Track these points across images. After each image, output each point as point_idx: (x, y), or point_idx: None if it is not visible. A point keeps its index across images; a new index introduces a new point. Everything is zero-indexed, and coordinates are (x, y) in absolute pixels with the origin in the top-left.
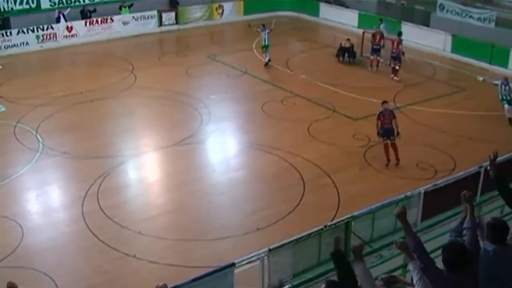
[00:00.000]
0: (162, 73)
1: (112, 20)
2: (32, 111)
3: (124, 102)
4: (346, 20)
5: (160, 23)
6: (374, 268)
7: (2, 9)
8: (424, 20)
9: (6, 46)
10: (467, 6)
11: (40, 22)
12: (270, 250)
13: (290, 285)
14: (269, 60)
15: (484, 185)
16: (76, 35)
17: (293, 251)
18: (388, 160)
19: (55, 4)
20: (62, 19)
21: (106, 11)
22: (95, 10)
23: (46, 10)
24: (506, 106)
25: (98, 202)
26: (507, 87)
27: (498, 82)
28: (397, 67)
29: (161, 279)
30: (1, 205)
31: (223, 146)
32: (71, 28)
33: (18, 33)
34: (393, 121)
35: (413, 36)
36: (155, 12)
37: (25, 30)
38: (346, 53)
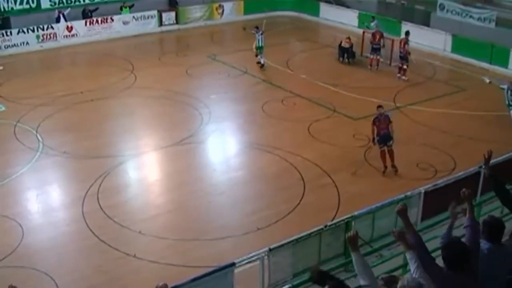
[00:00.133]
0: (162, 73)
1: (112, 20)
2: (32, 110)
3: (124, 102)
4: (347, 20)
5: (160, 23)
6: (375, 268)
7: (2, 9)
8: (425, 20)
9: (6, 46)
10: (467, 6)
11: (40, 22)
12: (270, 250)
13: (290, 285)
14: (264, 63)
15: (484, 185)
16: (76, 35)
17: (293, 251)
18: (386, 167)
19: (55, 4)
20: (62, 19)
21: (106, 11)
22: (96, 9)
23: (46, 10)
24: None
25: (98, 202)
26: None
27: (505, 87)
28: (404, 67)
29: (162, 278)
30: (1, 204)
31: (223, 146)
32: (71, 28)
33: (18, 33)
34: (390, 126)
35: (414, 36)
36: (155, 12)
37: (25, 30)
38: (345, 54)
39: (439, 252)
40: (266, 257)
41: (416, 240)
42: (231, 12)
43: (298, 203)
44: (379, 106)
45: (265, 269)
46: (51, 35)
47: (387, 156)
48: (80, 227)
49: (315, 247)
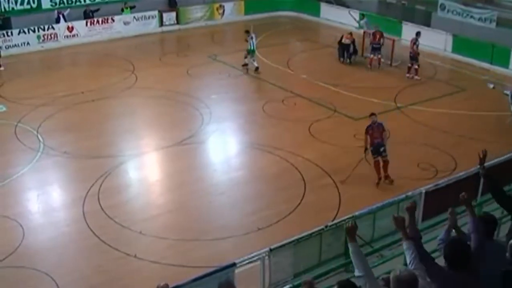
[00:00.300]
0: (163, 73)
1: (113, 20)
2: (33, 111)
3: (125, 102)
4: (347, 20)
5: (161, 23)
6: (375, 268)
7: (3, 9)
8: (425, 20)
9: (7, 46)
10: (468, 6)
11: (41, 22)
12: (271, 250)
13: (291, 285)
14: (258, 66)
15: (485, 185)
16: (77, 35)
17: (294, 251)
18: (380, 178)
19: (56, 4)
20: (61, 19)
21: (107, 11)
22: (98, 10)
23: (47, 10)
24: None
25: (99, 202)
26: None
27: (508, 92)
28: (415, 67)
29: (162, 279)
30: (2, 205)
31: (224, 146)
32: (72, 28)
33: (19, 33)
34: (383, 135)
35: (414, 36)
36: (156, 12)
37: (26, 30)
38: (346, 52)
39: (436, 254)
40: (266, 257)
41: (416, 236)
42: (232, 12)
43: (299, 203)
44: (372, 114)
45: (265, 269)
46: (52, 36)
47: (381, 166)
48: (81, 227)
49: (315, 247)
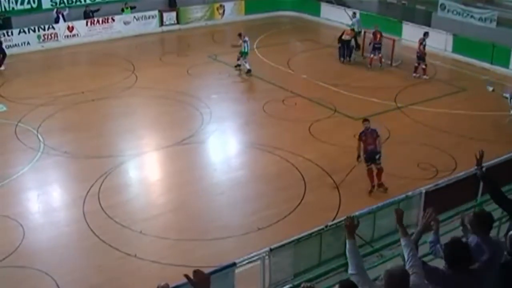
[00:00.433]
0: (163, 73)
1: (113, 20)
2: (33, 111)
3: (125, 102)
4: (347, 20)
5: (161, 23)
6: (375, 268)
7: (3, 9)
8: (425, 20)
9: (7, 46)
10: (468, 6)
11: (41, 22)
12: (271, 250)
13: (291, 285)
14: (250, 69)
15: (485, 185)
16: (77, 35)
17: (294, 251)
18: (373, 186)
19: (56, 4)
20: (61, 19)
21: (107, 11)
22: (98, 10)
23: (47, 10)
24: None
25: (99, 202)
26: None
27: (507, 95)
28: (423, 66)
29: (162, 278)
30: (2, 204)
31: (224, 146)
32: (72, 28)
33: (19, 33)
34: (377, 141)
35: (414, 36)
36: (156, 12)
37: (26, 30)
38: (346, 50)
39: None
40: (267, 257)
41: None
42: (232, 12)
43: (299, 203)
44: (365, 120)
45: (266, 269)
46: (52, 35)
47: (375, 174)
48: (81, 227)
49: (315, 247)
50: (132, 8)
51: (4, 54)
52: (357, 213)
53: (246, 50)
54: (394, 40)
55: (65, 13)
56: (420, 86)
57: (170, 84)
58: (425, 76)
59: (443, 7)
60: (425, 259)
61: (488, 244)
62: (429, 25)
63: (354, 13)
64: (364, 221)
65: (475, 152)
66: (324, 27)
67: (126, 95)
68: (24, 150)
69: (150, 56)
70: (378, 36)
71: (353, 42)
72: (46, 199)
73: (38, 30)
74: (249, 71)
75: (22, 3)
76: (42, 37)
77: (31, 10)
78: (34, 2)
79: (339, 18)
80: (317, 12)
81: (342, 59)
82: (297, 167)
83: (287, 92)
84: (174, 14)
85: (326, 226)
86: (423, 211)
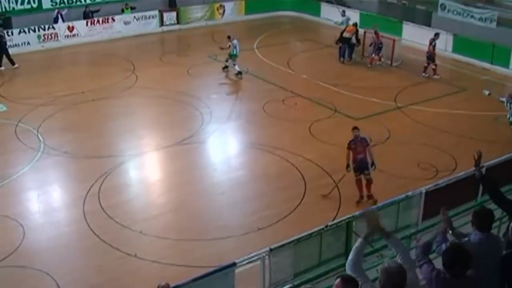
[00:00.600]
0: (163, 73)
1: (114, 20)
2: (33, 110)
3: (126, 102)
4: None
5: (161, 23)
6: (375, 268)
7: (3, 9)
8: (426, 20)
9: (8, 46)
10: (468, 6)
11: (41, 22)
12: (271, 249)
13: (291, 285)
14: (241, 71)
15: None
16: (78, 35)
17: (294, 251)
18: (361, 196)
19: (56, 4)
20: (60, 19)
21: (107, 11)
22: (98, 10)
23: (48, 10)
24: None
25: (99, 202)
26: (511, 105)
27: (504, 99)
28: (433, 66)
29: (163, 278)
30: (2, 204)
31: (224, 146)
32: (73, 28)
33: (19, 33)
34: (367, 150)
35: (415, 36)
36: (156, 12)
37: (26, 29)
38: (348, 49)
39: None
40: (267, 257)
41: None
42: (232, 12)
43: (299, 203)
44: (354, 128)
45: (265, 269)
46: (52, 35)
47: (364, 185)
48: (81, 227)
49: (316, 247)
50: (132, 8)
51: (8, 54)
52: (357, 213)
53: (234, 52)
54: (394, 40)
55: (63, 13)
56: (420, 86)
57: (170, 84)
58: (435, 76)
59: (443, 7)
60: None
61: (490, 241)
62: (429, 25)
63: (344, 11)
64: (364, 221)
65: (475, 152)
66: (324, 27)
67: (126, 95)
68: (24, 150)
69: (150, 56)
70: (379, 35)
71: (354, 40)
72: (46, 199)
73: (38, 30)
74: (239, 73)
75: (22, 3)
76: (42, 37)
77: (31, 10)
78: (34, 2)
79: (339, 18)
80: (317, 12)
81: (342, 59)
82: (297, 167)
83: (287, 92)
84: (174, 14)
85: (326, 226)
86: (423, 211)
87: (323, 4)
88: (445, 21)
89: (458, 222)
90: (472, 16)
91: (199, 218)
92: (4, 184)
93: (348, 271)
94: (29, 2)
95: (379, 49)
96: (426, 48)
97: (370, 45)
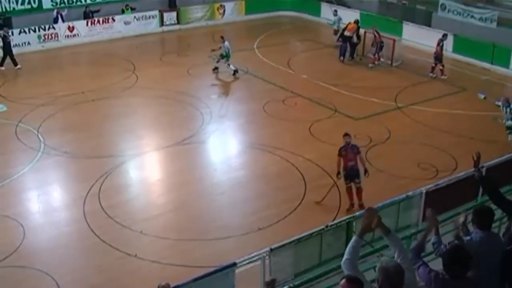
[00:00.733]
0: (163, 73)
1: (114, 20)
2: (34, 110)
3: (126, 102)
4: (348, 20)
5: (162, 23)
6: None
7: (3, 9)
8: (426, 20)
9: (1, 47)
10: (468, 6)
11: (41, 22)
12: (271, 250)
13: (291, 285)
14: (236, 69)
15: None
16: (78, 35)
17: (294, 251)
18: (352, 205)
19: (56, 4)
20: (60, 19)
21: (107, 11)
22: (99, 10)
23: (48, 10)
24: (510, 136)
25: (100, 202)
26: (507, 109)
27: (500, 103)
28: (440, 67)
29: (163, 278)
30: (3, 204)
31: (225, 146)
32: (73, 28)
33: (19, 33)
34: (358, 158)
35: (415, 36)
36: (156, 12)
37: (26, 30)
38: (349, 48)
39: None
40: (267, 257)
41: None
42: (233, 12)
43: (299, 203)
44: (346, 135)
45: (266, 269)
46: (53, 35)
47: (354, 193)
48: (81, 227)
49: (316, 247)
50: (133, 9)
51: (11, 54)
52: (357, 213)
53: (225, 53)
54: (394, 40)
55: (63, 14)
56: (420, 86)
57: (171, 84)
58: (443, 76)
59: (443, 7)
60: (426, 259)
61: (491, 239)
62: (429, 25)
63: (336, 11)
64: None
65: (475, 152)
66: (324, 27)
67: (126, 95)
68: (25, 150)
69: (150, 56)
70: (380, 35)
71: (355, 39)
72: (46, 199)
73: (39, 30)
74: (235, 72)
75: (22, 3)
76: (43, 37)
77: (32, 10)
78: (34, 2)
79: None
80: (317, 12)
81: (342, 58)
82: (297, 167)
83: (288, 92)
84: (174, 14)
85: (327, 226)
86: (423, 211)
87: (323, 4)
88: (445, 21)
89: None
90: (472, 16)
91: (199, 218)
92: (4, 184)
93: (344, 269)
94: (29, 2)
95: (381, 48)
96: (426, 48)
97: (372, 44)
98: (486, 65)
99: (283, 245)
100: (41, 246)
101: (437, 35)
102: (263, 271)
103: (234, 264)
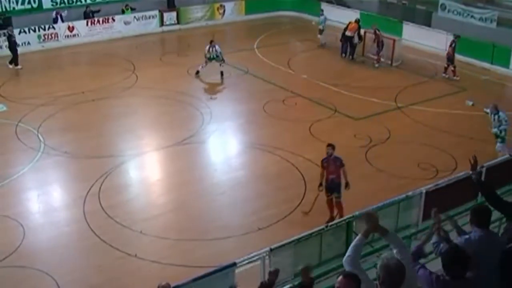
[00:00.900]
0: (163, 73)
1: (114, 20)
2: (34, 110)
3: (126, 102)
4: (348, 20)
5: (162, 23)
6: (375, 268)
7: (3, 9)
8: (426, 20)
9: (7, 46)
10: (468, 6)
11: (41, 22)
12: (271, 249)
13: (291, 285)
14: (199, 71)
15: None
16: (78, 35)
17: (294, 251)
18: (332, 218)
19: (56, 4)
20: (59, 20)
21: (107, 11)
22: (99, 11)
23: (48, 10)
24: (498, 144)
25: (100, 202)
26: (496, 116)
27: (488, 111)
28: (452, 68)
29: (163, 278)
30: (3, 204)
31: (225, 146)
32: (73, 28)
33: (19, 33)
34: (341, 171)
35: (415, 36)
36: (156, 12)
37: (26, 29)
38: (349, 47)
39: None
40: (267, 257)
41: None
42: (233, 12)
43: (299, 203)
44: (329, 145)
45: (266, 269)
46: (53, 35)
47: (335, 206)
48: (81, 227)
49: (316, 247)
50: (133, 9)
51: (15, 53)
52: (357, 213)
53: (212, 56)
54: (394, 40)
55: (63, 14)
56: (420, 86)
57: (170, 84)
58: (455, 77)
59: (443, 7)
60: (426, 259)
61: (489, 237)
62: (429, 25)
63: (322, 11)
64: (364, 221)
65: (475, 152)
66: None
67: (126, 95)
68: (25, 150)
69: (150, 56)
70: (381, 34)
71: (356, 39)
72: (46, 199)
73: (39, 30)
74: (197, 72)
75: (22, 3)
76: (43, 37)
77: (32, 10)
78: (34, 2)
79: (339, 18)
80: (317, 12)
81: (343, 55)
82: (297, 167)
83: (288, 92)
84: (174, 14)
85: (326, 226)
86: (423, 211)
87: (323, 4)
88: (445, 21)
89: (459, 222)
90: (472, 16)
91: (199, 218)
92: (4, 184)
93: (346, 267)
94: (29, 2)
95: (382, 46)
96: (426, 48)
97: (377, 45)
98: (486, 65)
99: (283, 245)
100: (41, 246)
101: (437, 35)
102: (263, 271)
103: (234, 264)
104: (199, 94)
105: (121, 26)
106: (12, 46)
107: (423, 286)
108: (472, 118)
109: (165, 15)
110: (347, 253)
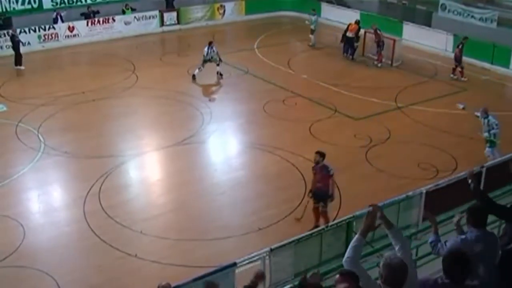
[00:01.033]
0: (163, 73)
1: (114, 20)
2: (34, 110)
3: (126, 102)
4: (348, 20)
5: (162, 23)
6: (376, 268)
7: (4, 9)
8: (426, 20)
9: (7, 46)
10: (468, 6)
11: (42, 22)
12: (271, 250)
13: (291, 285)
14: (220, 73)
15: (486, 185)
16: (78, 35)
17: (295, 250)
18: (317, 225)
19: (57, 4)
20: (59, 20)
21: (108, 11)
22: (98, 12)
23: (48, 10)
24: (487, 148)
25: (100, 202)
26: (485, 120)
27: (479, 114)
28: (459, 69)
29: (163, 279)
30: (3, 204)
31: (225, 146)
32: (73, 28)
33: (20, 33)
34: (329, 181)
35: (415, 36)
36: (156, 12)
37: (27, 30)
38: (350, 48)
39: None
40: (267, 257)
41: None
42: (233, 13)
43: (299, 203)
44: (317, 152)
45: (266, 269)
46: (53, 35)
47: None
48: (81, 227)
49: (316, 247)
50: (133, 9)
51: (19, 53)
52: (357, 213)
53: (209, 57)
54: (394, 40)
55: (63, 14)
56: (420, 86)
57: (171, 84)
58: (463, 78)
59: (443, 7)
60: (426, 259)
61: (486, 237)
62: (429, 25)
63: (314, 10)
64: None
65: (475, 152)
66: (324, 27)
67: (126, 95)
68: (25, 150)
69: (150, 56)
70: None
71: (356, 41)
72: (46, 199)
73: (39, 30)
74: (193, 76)
75: (22, 3)
76: (43, 37)
77: (32, 10)
78: (34, 2)
79: (339, 18)
80: (317, 12)
81: (345, 54)
82: (298, 167)
83: (288, 92)
84: (174, 14)
85: (327, 226)
86: (423, 211)
87: (323, 4)
88: (445, 21)
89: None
90: (472, 16)
91: (199, 218)
92: (4, 184)
93: (346, 268)
94: (29, 2)
95: (383, 46)
96: (426, 48)
97: (378, 44)
98: (486, 65)
99: (283, 245)
100: (41, 246)
101: (437, 35)
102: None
103: (234, 264)
104: (199, 94)
105: (121, 26)
106: (16, 46)
107: None
108: (473, 118)
109: (165, 15)
110: (347, 254)
